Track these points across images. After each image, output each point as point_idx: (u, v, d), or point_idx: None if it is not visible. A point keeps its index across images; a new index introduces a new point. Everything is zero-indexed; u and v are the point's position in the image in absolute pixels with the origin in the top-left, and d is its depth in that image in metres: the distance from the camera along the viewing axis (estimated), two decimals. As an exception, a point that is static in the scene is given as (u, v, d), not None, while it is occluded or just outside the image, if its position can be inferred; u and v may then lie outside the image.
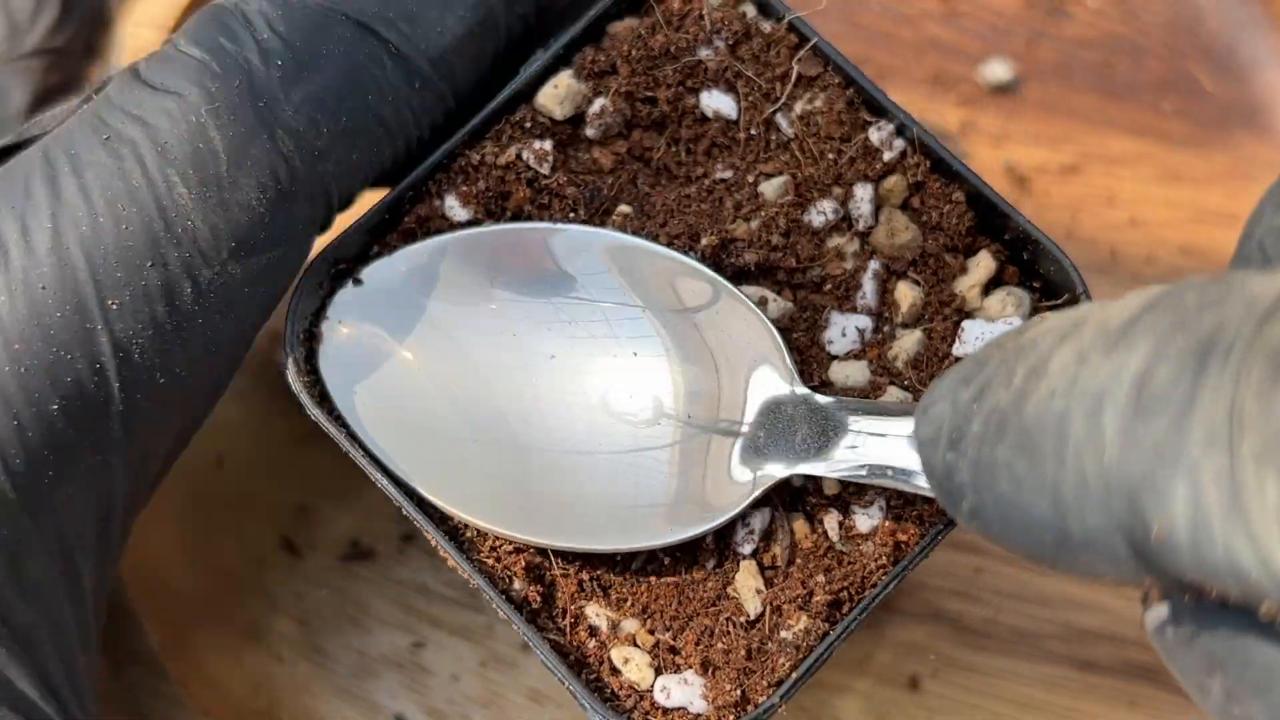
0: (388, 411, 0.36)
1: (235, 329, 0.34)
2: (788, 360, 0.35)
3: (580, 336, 0.36)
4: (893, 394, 0.36)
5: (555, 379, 0.36)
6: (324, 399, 0.36)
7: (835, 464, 0.34)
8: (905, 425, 0.32)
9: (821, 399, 0.34)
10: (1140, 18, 0.48)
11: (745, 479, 0.35)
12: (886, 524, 0.35)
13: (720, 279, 0.36)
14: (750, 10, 0.38)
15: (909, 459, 0.32)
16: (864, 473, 0.33)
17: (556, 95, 0.37)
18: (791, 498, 0.36)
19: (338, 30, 0.34)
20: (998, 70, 0.48)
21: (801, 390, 0.35)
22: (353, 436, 0.35)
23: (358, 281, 0.36)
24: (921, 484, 0.32)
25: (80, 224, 0.32)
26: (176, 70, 0.34)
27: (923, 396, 0.29)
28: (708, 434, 0.35)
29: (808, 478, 0.35)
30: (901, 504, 0.35)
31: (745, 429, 0.35)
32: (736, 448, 0.35)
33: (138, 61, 0.35)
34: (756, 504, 0.35)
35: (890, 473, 0.33)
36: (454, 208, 0.37)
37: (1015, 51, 0.48)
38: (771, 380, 0.35)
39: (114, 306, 0.32)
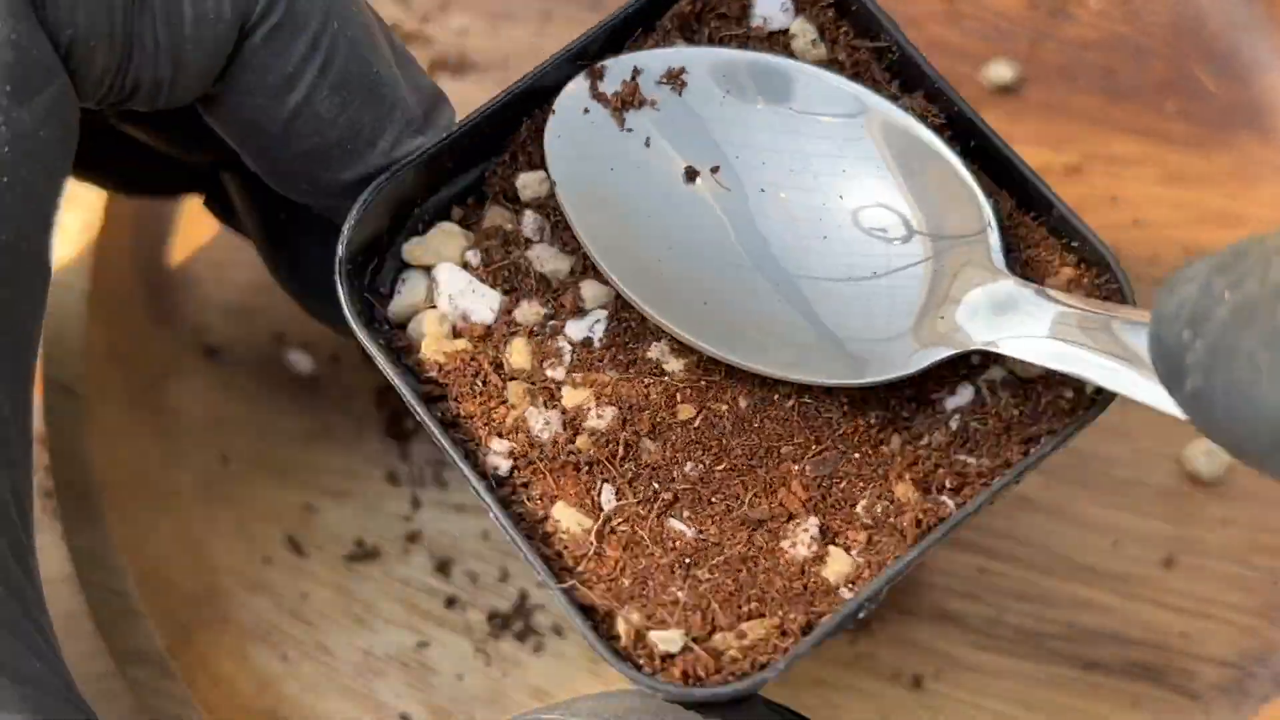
0: (599, 206, 0.36)
1: (44, 179, 0.33)
2: (995, 246, 0.35)
3: (805, 164, 0.36)
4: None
5: (777, 205, 0.36)
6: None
7: (1028, 347, 0.34)
8: (1099, 337, 0.33)
9: (1022, 283, 0.34)
10: (1142, 18, 0.48)
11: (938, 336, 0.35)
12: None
13: (945, 149, 0.36)
14: None
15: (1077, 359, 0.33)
16: (1055, 364, 0.33)
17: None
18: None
19: None
20: (1001, 71, 0.48)
21: (1003, 270, 0.35)
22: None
23: (597, 72, 0.36)
24: (1108, 382, 0.32)
25: None
26: None
27: (1172, 276, 0.30)
28: (944, 260, 0.35)
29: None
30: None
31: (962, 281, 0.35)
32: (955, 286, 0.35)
33: None
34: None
35: (1081, 366, 0.33)
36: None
37: (1018, 52, 0.48)
38: (978, 255, 0.35)
39: None
